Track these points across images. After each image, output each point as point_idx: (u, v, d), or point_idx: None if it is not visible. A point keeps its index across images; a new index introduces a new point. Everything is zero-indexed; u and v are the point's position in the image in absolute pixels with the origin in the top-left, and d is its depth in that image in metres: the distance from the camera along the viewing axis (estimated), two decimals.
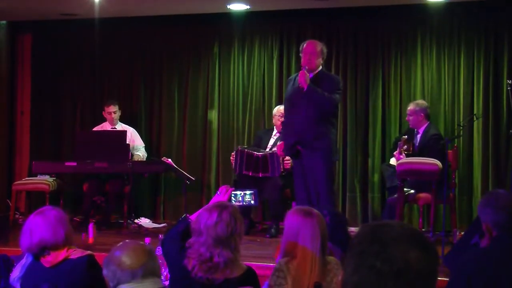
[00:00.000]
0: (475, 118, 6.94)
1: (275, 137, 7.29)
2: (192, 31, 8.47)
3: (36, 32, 8.93)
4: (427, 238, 1.55)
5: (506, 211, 3.01)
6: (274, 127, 7.39)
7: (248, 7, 7.84)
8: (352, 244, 1.55)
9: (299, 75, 5.92)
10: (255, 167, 6.96)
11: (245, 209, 6.76)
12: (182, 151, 8.44)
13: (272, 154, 6.88)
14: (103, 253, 3.30)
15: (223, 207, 3.17)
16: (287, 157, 6.85)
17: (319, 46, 6.07)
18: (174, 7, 7.97)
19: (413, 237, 1.51)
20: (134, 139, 7.88)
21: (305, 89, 5.86)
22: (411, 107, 6.85)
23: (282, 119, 7.06)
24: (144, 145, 8.04)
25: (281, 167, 6.88)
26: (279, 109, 7.30)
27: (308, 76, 5.89)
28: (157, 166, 7.51)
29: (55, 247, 3.20)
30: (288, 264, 3.24)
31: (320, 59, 6.08)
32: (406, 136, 6.70)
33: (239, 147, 7.27)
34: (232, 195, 3.60)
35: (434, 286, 1.52)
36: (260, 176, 6.96)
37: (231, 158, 7.26)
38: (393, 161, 6.88)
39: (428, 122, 6.82)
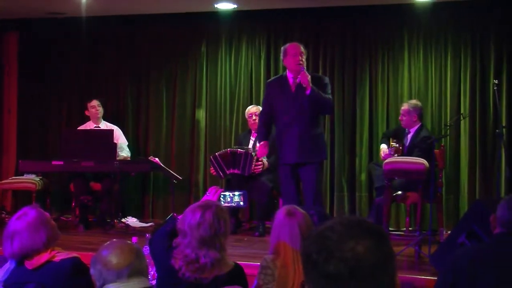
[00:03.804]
0: (461, 118, 6.96)
1: (253, 138, 7.28)
2: (180, 30, 8.45)
3: (22, 30, 8.88)
4: (371, 225, 1.51)
5: None
6: (251, 128, 7.41)
7: (235, 6, 7.83)
8: (303, 260, 1.52)
9: (301, 76, 5.80)
10: (233, 163, 6.99)
11: (232, 209, 6.77)
12: (170, 150, 8.43)
13: (247, 154, 6.88)
14: (90, 253, 3.28)
15: (206, 207, 3.15)
16: (259, 162, 6.89)
17: (303, 47, 6.04)
18: (161, 6, 7.95)
19: (356, 230, 1.48)
20: (119, 137, 7.83)
21: (308, 91, 5.80)
22: (405, 107, 6.83)
23: (252, 119, 7.19)
24: (127, 143, 8.00)
25: (252, 168, 6.88)
26: (249, 111, 7.39)
27: (310, 77, 5.84)
28: (144, 165, 7.48)
29: (37, 251, 3.15)
30: (274, 261, 3.27)
31: None
32: (397, 145, 6.69)
33: (211, 156, 7.28)
34: (221, 196, 3.59)
35: (394, 273, 1.49)
36: (236, 172, 6.97)
37: (211, 170, 7.27)
38: (384, 146, 6.89)
39: (420, 123, 6.82)
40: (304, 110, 5.87)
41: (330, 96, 6.02)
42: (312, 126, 5.95)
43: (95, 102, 7.91)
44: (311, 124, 5.93)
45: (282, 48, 6.13)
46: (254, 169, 6.91)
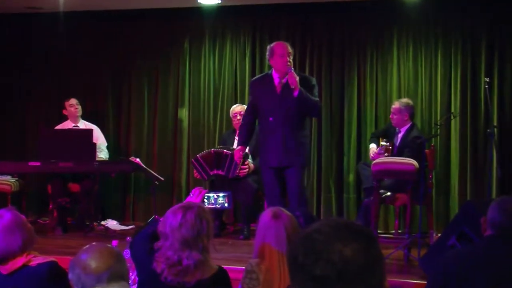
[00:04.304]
0: (452, 117, 6.99)
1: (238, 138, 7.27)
2: (162, 26, 8.42)
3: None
4: (359, 227, 1.53)
5: (507, 214, 3.04)
6: (235, 128, 7.40)
7: (219, 1, 7.82)
8: (289, 263, 1.53)
9: (289, 77, 5.74)
10: (217, 164, 6.97)
11: (218, 211, 6.76)
12: (152, 150, 8.41)
13: (233, 156, 6.82)
14: (68, 257, 3.26)
15: (187, 208, 3.14)
16: (245, 166, 6.88)
17: (290, 46, 5.99)
18: (142, 1, 7.92)
19: (344, 232, 1.49)
20: (98, 137, 7.79)
21: (296, 93, 5.76)
22: (396, 105, 6.83)
23: (236, 118, 7.17)
24: (106, 144, 7.97)
25: (238, 171, 6.87)
26: (234, 110, 7.37)
27: (298, 78, 5.78)
28: (125, 165, 7.44)
29: (12, 255, 3.13)
30: (259, 265, 3.26)
31: None
32: (388, 144, 6.71)
33: (192, 159, 7.28)
34: (205, 197, 3.60)
35: (383, 276, 1.50)
36: (220, 173, 6.96)
37: (195, 174, 7.26)
38: (373, 146, 6.91)
39: (411, 123, 6.82)
40: (290, 112, 5.85)
41: (317, 99, 6.01)
42: (298, 129, 5.93)
43: (74, 101, 7.87)
44: (297, 127, 5.91)
45: (268, 47, 6.08)
46: (239, 172, 6.89)
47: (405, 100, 6.95)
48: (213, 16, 8.16)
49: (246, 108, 6.46)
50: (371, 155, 6.81)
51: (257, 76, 6.60)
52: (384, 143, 6.70)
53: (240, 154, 6.28)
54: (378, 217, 6.63)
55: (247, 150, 6.75)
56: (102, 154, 7.78)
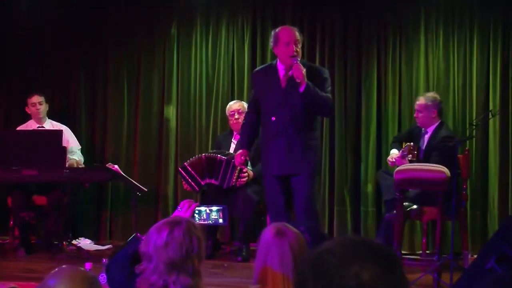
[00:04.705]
0: (490, 116, 6.97)
1: (236, 141, 7.26)
2: (144, 7, 8.42)
3: None
4: (380, 246, 1.53)
5: None
6: (232, 129, 7.43)
7: None
8: (297, 286, 1.53)
9: (294, 69, 5.75)
10: (209, 172, 6.97)
11: (211, 228, 6.76)
12: (133, 156, 8.41)
13: (229, 162, 6.81)
14: (33, 283, 3.26)
15: (175, 224, 3.13)
16: (244, 173, 6.90)
17: (298, 32, 5.98)
18: None
19: (361, 252, 1.50)
20: (69, 139, 7.77)
21: (302, 88, 5.77)
22: (421, 101, 6.82)
23: (234, 118, 7.23)
24: (80, 147, 7.95)
25: (234, 180, 6.87)
26: (231, 107, 7.39)
27: (305, 70, 5.77)
28: (101, 174, 7.44)
29: None
30: None
31: None
32: (411, 143, 6.69)
33: (179, 168, 7.30)
34: (196, 212, 3.59)
35: None
36: (214, 183, 6.96)
37: (184, 185, 7.28)
38: (394, 152, 6.89)
39: (440, 121, 6.82)
40: (296, 110, 5.86)
41: (328, 95, 6.00)
42: (306, 130, 5.94)
43: (36, 99, 7.82)
44: (305, 127, 5.92)
45: (272, 32, 6.09)
46: (237, 181, 6.88)
47: (431, 94, 6.94)
48: None
49: (248, 104, 6.49)
50: (391, 160, 6.78)
51: (259, 67, 6.62)
52: (408, 144, 6.68)
53: (242, 160, 6.26)
54: (402, 235, 6.62)
55: None
56: (76, 156, 7.75)
